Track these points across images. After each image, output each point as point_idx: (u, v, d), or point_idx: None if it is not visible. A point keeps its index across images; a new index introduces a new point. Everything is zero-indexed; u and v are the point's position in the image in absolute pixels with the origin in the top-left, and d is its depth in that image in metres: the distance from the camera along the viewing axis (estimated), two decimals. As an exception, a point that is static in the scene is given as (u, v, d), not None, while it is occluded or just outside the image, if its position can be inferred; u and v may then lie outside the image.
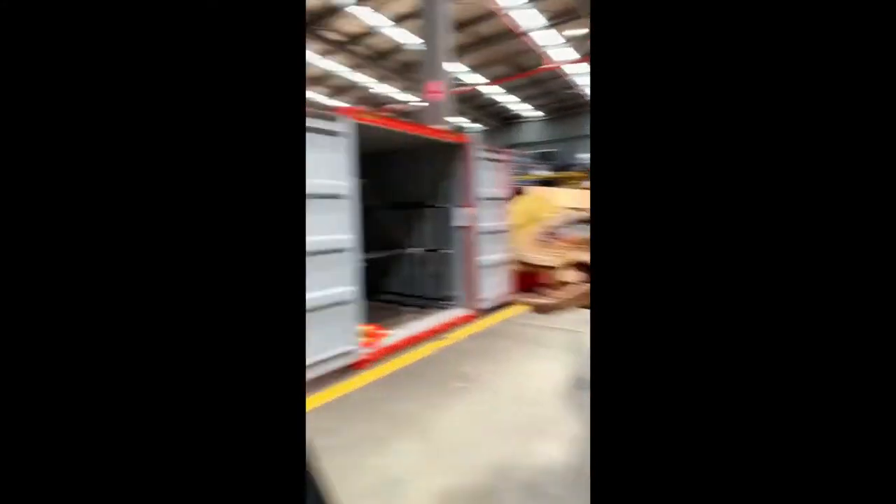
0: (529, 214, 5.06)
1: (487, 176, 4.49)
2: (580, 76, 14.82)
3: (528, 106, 18.35)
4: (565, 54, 12.74)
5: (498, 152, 4.80)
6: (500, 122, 20.32)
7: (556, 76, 14.91)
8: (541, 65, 12.98)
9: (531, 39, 11.53)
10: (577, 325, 3.87)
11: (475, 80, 14.32)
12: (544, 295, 4.41)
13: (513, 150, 6.94)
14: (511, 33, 11.11)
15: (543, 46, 12.43)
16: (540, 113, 19.27)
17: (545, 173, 12.27)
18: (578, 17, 10.43)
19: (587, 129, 18.56)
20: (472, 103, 17.28)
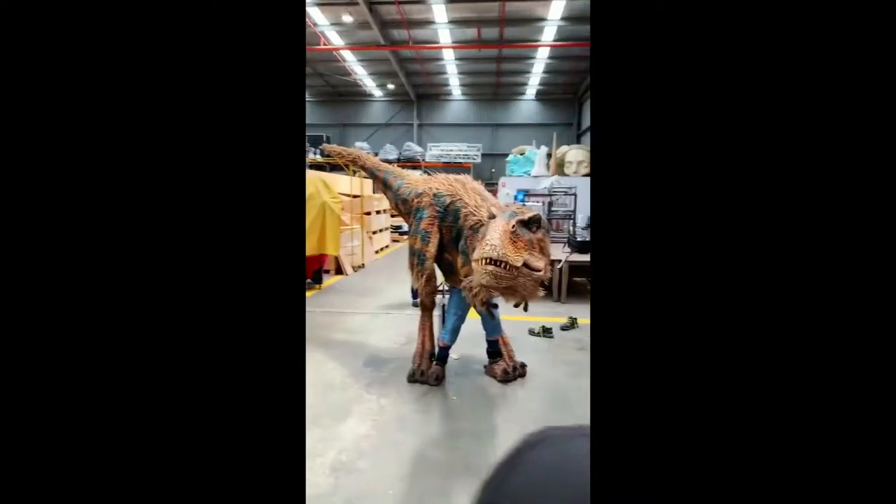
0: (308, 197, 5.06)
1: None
2: (356, 64, 15.03)
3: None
4: (340, 38, 12.71)
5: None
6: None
7: (331, 60, 14.71)
8: (317, 44, 12.57)
9: (308, 16, 11.06)
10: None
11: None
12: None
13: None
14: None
15: (319, 26, 12.08)
16: (308, 96, 18.70)
17: (316, 157, 11.98)
18: (356, 4, 10.56)
19: (364, 118, 19.67)
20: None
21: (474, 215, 2.63)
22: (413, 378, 3.15)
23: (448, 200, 2.87)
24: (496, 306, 2.74)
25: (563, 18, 12.03)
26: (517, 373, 3.21)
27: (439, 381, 3.13)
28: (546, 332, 4.19)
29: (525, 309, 2.48)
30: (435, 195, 2.95)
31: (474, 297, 2.41)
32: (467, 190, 2.83)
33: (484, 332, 3.26)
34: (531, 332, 4.23)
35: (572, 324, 4.44)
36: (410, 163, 14.08)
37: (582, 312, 4.90)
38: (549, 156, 13.77)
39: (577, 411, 2.78)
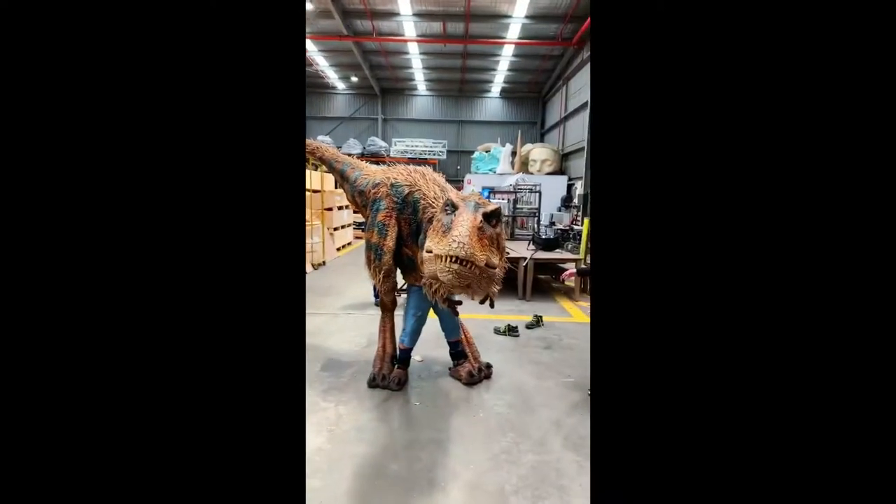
0: None
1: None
2: (318, 54, 14.52)
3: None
4: (302, 28, 12.18)
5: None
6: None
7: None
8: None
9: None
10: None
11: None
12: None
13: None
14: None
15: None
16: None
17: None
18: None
19: (326, 111, 19.15)
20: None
21: (433, 207, 2.48)
22: (374, 383, 2.97)
23: (406, 191, 2.68)
24: (460, 303, 2.58)
25: (527, 16, 12.07)
26: (483, 374, 3.10)
27: (401, 385, 2.97)
28: (511, 330, 4.11)
29: (491, 306, 2.36)
30: (392, 185, 2.75)
31: (435, 294, 2.26)
32: (427, 181, 2.66)
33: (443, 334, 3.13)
34: (496, 331, 4.14)
35: (537, 322, 4.39)
36: (375, 157, 13.78)
37: (546, 310, 4.86)
38: (513, 154, 13.84)
39: (545, 413, 2.70)
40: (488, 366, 3.17)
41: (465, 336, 3.27)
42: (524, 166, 13.26)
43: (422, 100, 18.68)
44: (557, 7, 12.06)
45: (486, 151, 14.73)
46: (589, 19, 11.17)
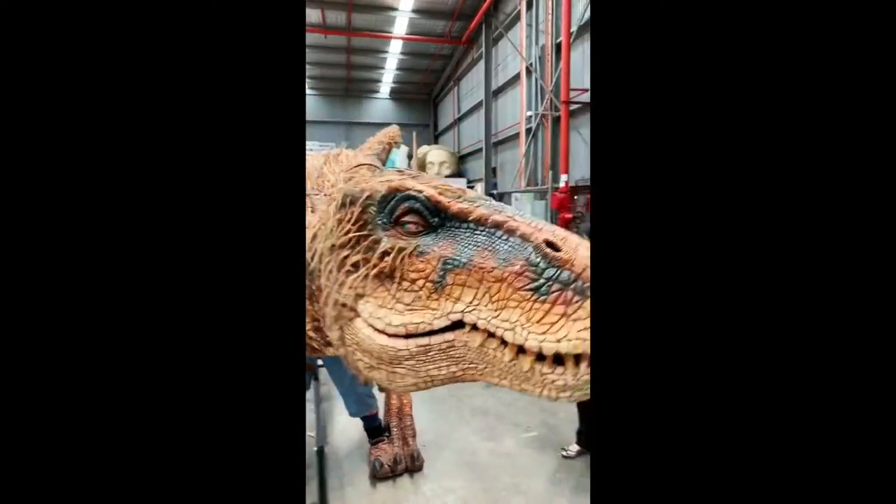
0: None
1: None
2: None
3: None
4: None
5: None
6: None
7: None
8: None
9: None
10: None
11: None
12: None
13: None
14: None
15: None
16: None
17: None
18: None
19: None
20: None
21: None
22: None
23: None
24: None
25: (414, 11, 11.42)
26: (409, 466, 2.06)
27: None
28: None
29: None
30: None
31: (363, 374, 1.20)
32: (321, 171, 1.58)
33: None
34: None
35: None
36: (250, 163, 11.94)
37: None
38: (410, 156, 13.08)
39: (517, 507, 1.82)
40: (419, 455, 2.13)
41: (395, 408, 2.26)
42: (422, 168, 12.58)
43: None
44: (445, 3, 11.61)
45: (380, 154, 13.75)
46: (476, 18, 10.92)
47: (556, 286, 0.64)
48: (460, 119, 14.86)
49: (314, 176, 1.46)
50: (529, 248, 0.68)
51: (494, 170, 11.19)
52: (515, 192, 9.24)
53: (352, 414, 2.09)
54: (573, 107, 7.50)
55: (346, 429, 2.39)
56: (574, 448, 2.19)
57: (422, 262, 0.74)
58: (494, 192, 10.29)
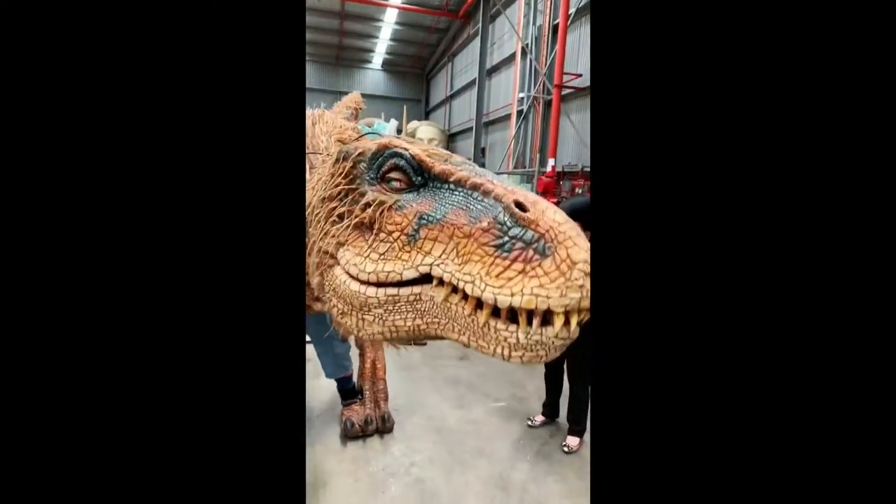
0: None
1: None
2: None
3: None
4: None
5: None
6: None
7: None
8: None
9: None
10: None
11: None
12: None
13: None
14: None
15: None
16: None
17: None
18: None
19: None
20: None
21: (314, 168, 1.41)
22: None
23: None
24: None
25: (413, -21, 11.09)
26: (380, 427, 2.12)
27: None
28: (417, 337, 3.25)
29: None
30: None
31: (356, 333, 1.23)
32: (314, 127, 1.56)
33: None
34: (398, 340, 3.24)
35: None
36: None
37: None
38: (399, 131, 12.87)
39: (482, 468, 1.91)
40: (389, 417, 2.19)
41: (368, 371, 2.31)
42: (411, 144, 12.37)
43: (293, 64, 16.47)
44: (444, -26, 11.31)
45: (369, 126, 13.49)
46: (475, -8, 10.67)
47: (519, 244, 0.66)
48: (452, 96, 14.65)
49: (308, 135, 1.47)
50: (499, 207, 0.71)
51: (484, 150, 11.14)
52: (503, 173, 9.25)
53: (328, 375, 2.13)
54: (565, 91, 7.48)
55: (318, 391, 2.44)
56: (539, 418, 2.29)
57: (399, 215, 0.77)
58: (482, 172, 10.26)
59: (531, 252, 0.65)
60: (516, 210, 0.69)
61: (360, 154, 0.86)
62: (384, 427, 2.11)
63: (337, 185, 0.87)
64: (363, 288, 0.77)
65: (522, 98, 8.92)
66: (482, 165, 10.82)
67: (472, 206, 0.74)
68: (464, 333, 0.72)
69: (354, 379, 2.26)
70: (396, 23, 13.67)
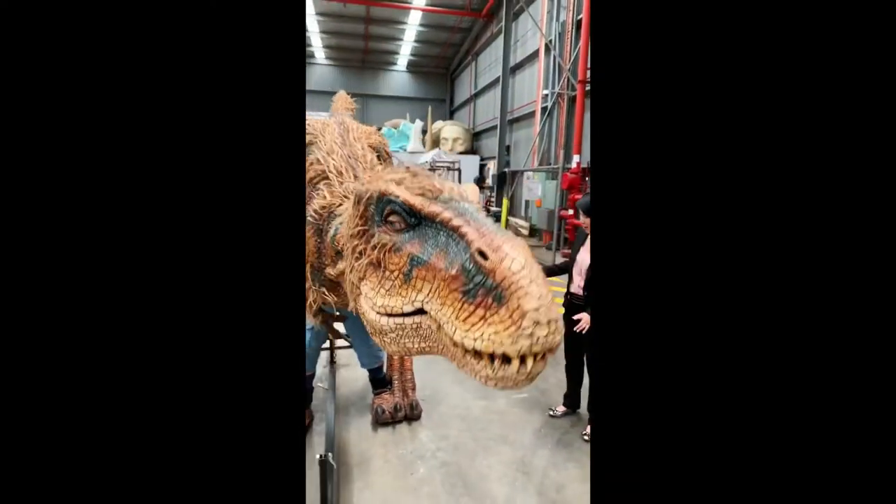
0: None
1: None
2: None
3: None
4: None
5: None
6: None
7: None
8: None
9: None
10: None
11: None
12: None
13: None
14: None
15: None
16: None
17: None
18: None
19: None
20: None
21: (320, 164, 1.56)
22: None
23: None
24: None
25: (435, -19, 11.20)
26: (409, 414, 2.28)
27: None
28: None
29: None
30: None
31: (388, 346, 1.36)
32: (325, 134, 1.71)
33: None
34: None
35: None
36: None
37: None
38: (424, 131, 13.04)
39: (504, 454, 2.01)
40: (417, 405, 2.34)
41: (397, 363, 2.45)
42: (436, 144, 12.54)
43: (320, 69, 16.89)
44: (466, -26, 11.38)
45: (395, 128, 13.70)
46: (498, -9, 10.68)
47: (481, 291, 0.74)
48: (476, 95, 14.70)
49: (338, 143, 1.66)
50: (467, 254, 0.79)
51: (508, 148, 11.15)
52: (528, 170, 9.26)
53: (363, 365, 2.28)
54: (589, 87, 7.43)
55: (351, 382, 2.60)
56: (560, 409, 2.37)
57: (397, 256, 0.89)
58: (507, 169, 10.30)
59: (490, 299, 0.73)
60: (478, 258, 0.76)
61: (368, 198, 0.98)
62: (412, 414, 2.25)
63: (357, 226, 1.01)
64: (378, 317, 0.92)
65: (546, 95, 8.90)
66: (507, 163, 10.83)
67: (450, 249, 0.83)
68: (454, 358, 0.83)
69: (384, 370, 2.40)
70: (420, 24, 13.84)
